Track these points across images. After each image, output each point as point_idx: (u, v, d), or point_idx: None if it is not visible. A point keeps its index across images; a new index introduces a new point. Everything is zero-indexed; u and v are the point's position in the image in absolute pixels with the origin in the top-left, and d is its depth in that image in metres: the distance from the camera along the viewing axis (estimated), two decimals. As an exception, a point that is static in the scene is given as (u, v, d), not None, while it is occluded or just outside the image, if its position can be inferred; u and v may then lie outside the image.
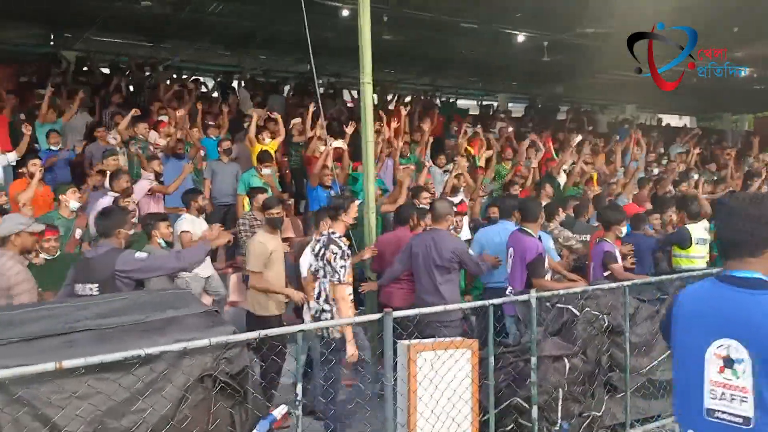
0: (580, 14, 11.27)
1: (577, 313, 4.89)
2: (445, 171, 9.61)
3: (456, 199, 8.12)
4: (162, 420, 2.93)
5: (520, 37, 12.80)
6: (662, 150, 14.87)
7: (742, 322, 1.91)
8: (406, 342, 4.16)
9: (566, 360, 4.74)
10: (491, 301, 4.49)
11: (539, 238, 5.81)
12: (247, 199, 7.94)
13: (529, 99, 19.61)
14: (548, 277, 5.81)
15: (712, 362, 1.95)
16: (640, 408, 5.22)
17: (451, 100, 17.67)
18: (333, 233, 4.97)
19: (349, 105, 13.86)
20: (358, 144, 7.04)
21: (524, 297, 4.74)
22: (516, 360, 4.75)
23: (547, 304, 4.91)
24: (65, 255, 5.85)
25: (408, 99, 14.85)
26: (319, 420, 5.14)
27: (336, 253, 4.82)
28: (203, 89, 13.59)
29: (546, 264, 5.75)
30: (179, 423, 2.98)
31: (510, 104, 19.26)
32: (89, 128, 9.77)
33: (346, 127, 9.31)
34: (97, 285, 3.99)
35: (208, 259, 6.18)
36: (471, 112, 16.40)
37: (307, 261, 5.59)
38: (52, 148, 8.52)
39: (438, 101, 16.45)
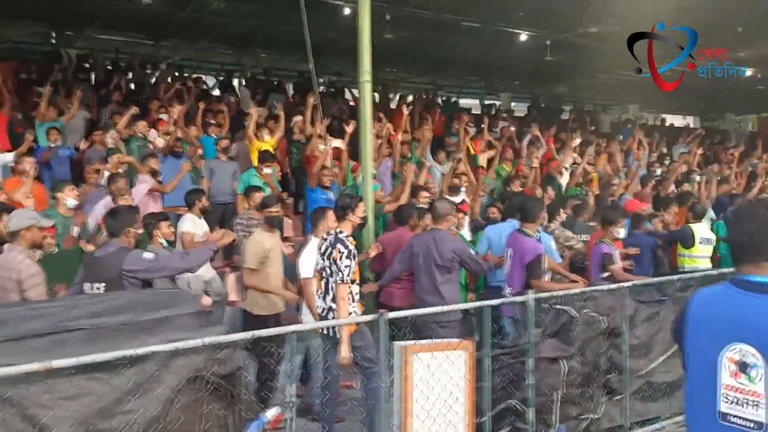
0: (581, 14, 11.24)
1: (576, 315, 4.85)
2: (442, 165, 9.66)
3: (457, 199, 8.08)
4: (152, 421, 2.90)
5: (522, 37, 12.78)
6: (665, 150, 14.80)
7: (758, 328, 1.90)
8: (402, 343, 4.13)
9: (564, 362, 4.70)
10: (488, 302, 4.46)
11: (539, 238, 5.77)
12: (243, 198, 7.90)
13: (531, 98, 19.57)
14: (547, 277, 5.77)
15: (726, 366, 1.95)
16: (639, 410, 5.19)
17: (452, 100, 17.63)
18: (340, 232, 4.96)
19: (351, 104, 13.83)
20: (358, 143, 7.01)
21: (522, 298, 4.70)
22: (513, 362, 4.71)
23: (545, 305, 4.86)
24: (63, 251, 5.85)
25: (410, 98, 14.81)
26: (315, 421, 5.12)
27: (342, 252, 4.81)
28: (203, 87, 13.57)
29: (545, 264, 5.71)
30: (169, 424, 2.95)
31: (513, 103, 19.22)
32: (88, 126, 9.74)
33: (347, 126, 9.28)
34: (104, 284, 3.98)
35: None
36: (473, 112, 16.36)
37: (305, 261, 5.57)
38: (51, 145, 8.49)
39: (440, 100, 16.41)
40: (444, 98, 17.21)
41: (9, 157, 8.03)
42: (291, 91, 14.45)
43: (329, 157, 8.37)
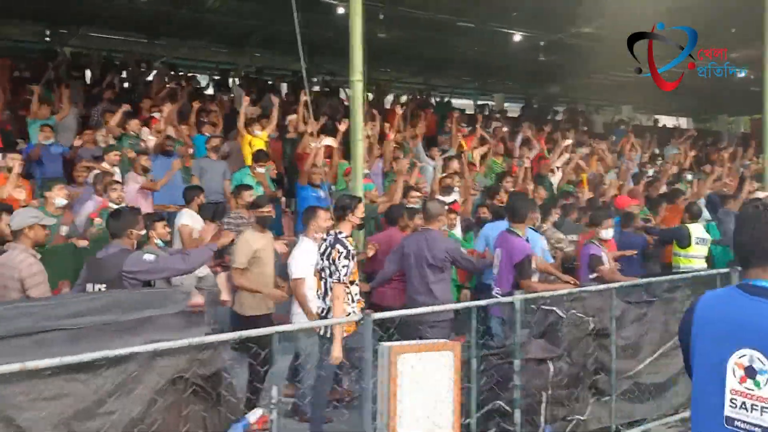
0: (576, 14, 11.24)
1: (563, 315, 4.85)
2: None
3: (449, 199, 8.07)
4: (132, 422, 2.88)
5: (517, 37, 12.79)
6: (656, 151, 14.82)
7: (763, 331, 1.89)
8: (388, 344, 4.12)
9: (551, 363, 4.70)
10: (476, 303, 4.45)
11: (527, 239, 5.77)
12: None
13: (525, 99, 19.58)
14: (536, 278, 5.77)
15: (733, 371, 1.94)
16: (626, 412, 5.19)
17: (446, 100, 17.61)
18: (339, 233, 4.96)
19: (346, 104, 13.80)
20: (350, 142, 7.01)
21: (510, 298, 4.70)
22: (500, 362, 4.71)
23: (532, 306, 4.86)
24: (54, 248, 5.83)
25: (404, 99, 14.79)
26: (303, 422, 5.10)
27: (341, 253, 4.82)
28: (197, 86, 13.51)
29: (534, 265, 5.71)
30: (150, 426, 2.93)
31: (506, 104, 19.22)
32: (80, 123, 9.69)
33: (339, 124, 9.26)
34: (105, 285, 3.99)
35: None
36: (467, 112, 16.34)
37: (295, 261, 5.54)
38: (43, 142, 8.43)
39: (433, 100, 16.39)
40: (437, 99, 17.19)
41: (-2, 155, 7.98)
42: (285, 91, 14.41)
43: (320, 155, 8.36)
